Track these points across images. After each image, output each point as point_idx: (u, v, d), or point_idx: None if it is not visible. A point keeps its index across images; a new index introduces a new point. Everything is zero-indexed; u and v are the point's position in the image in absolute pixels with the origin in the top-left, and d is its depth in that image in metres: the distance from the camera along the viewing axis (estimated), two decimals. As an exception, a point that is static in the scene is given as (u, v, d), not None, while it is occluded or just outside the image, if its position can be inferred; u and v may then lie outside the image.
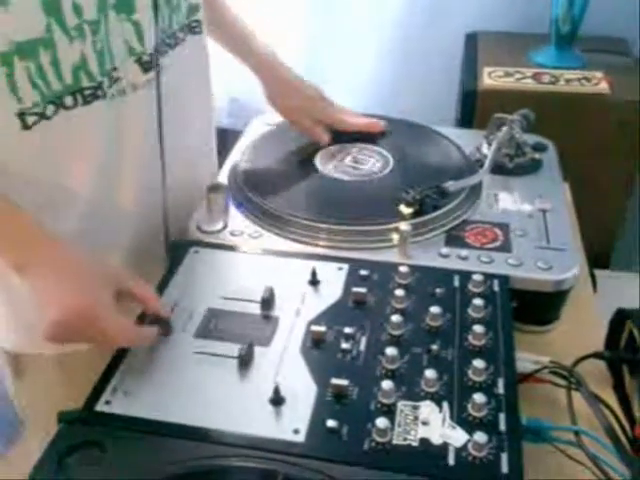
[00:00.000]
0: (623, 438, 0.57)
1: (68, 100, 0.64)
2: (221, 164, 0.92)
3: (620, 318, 0.68)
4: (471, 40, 1.58)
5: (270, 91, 0.91)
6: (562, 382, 0.62)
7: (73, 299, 0.54)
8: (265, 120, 1.01)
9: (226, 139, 0.97)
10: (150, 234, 0.77)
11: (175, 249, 0.73)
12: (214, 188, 0.77)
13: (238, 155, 0.90)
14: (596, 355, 0.66)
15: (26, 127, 0.62)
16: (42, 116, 0.62)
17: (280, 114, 0.93)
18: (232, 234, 0.75)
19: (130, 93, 0.69)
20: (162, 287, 0.67)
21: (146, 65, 0.69)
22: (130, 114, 0.70)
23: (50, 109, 0.63)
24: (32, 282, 0.56)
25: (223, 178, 0.86)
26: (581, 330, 0.73)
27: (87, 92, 0.65)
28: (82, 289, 0.55)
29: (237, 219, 0.78)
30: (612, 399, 0.64)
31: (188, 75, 0.78)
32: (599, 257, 1.44)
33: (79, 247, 0.59)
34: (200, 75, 0.83)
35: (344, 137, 0.91)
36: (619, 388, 0.67)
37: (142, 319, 0.62)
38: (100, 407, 0.54)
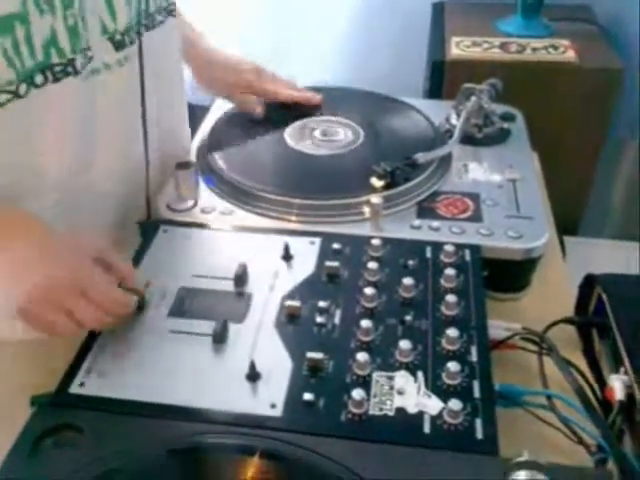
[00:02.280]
0: (593, 400, 0.58)
1: (38, 78, 0.62)
2: (189, 140, 0.91)
3: (589, 283, 0.69)
4: (438, 9, 1.57)
5: (197, 72, 0.91)
6: (533, 348, 0.63)
7: (59, 266, 0.55)
8: (233, 95, 1.00)
9: (193, 115, 0.95)
10: (130, 211, 0.76)
11: (145, 228, 0.72)
12: (183, 165, 0.76)
13: (206, 131, 0.89)
14: (566, 320, 0.67)
15: None
16: (16, 95, 0.61)
17: (215, 94, 0.93)
18: (203, 212, 0.74)
19: (103, 71, 0.68)
20: (134, 267, 0.66)
21: (118, 44, 0.68)
22: (105, 92, 0.69)
23: (23, 88, 0.61)
24: (10, 255, 0.55)
25: (192, 155, 0.85)
26: (551, 296, 0.74)
27: (57, 69, 0.63)
28: (65, 259, 0.56)
29: (207, 196, 0.77)
30: (582, 363, 0.65)
31: (165, 56, 0.77)
32: (568, 224, 1.46)
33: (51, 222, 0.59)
34: (175, 55, 0.83)
35: (311, 111, 0.90)
36: (589, 352, 0.68)
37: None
38: (74, 389, 0.53)
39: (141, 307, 0.61)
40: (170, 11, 0.77)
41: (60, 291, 0.55)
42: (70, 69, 0.64)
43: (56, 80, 0.63)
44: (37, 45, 0.60)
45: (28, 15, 0.59)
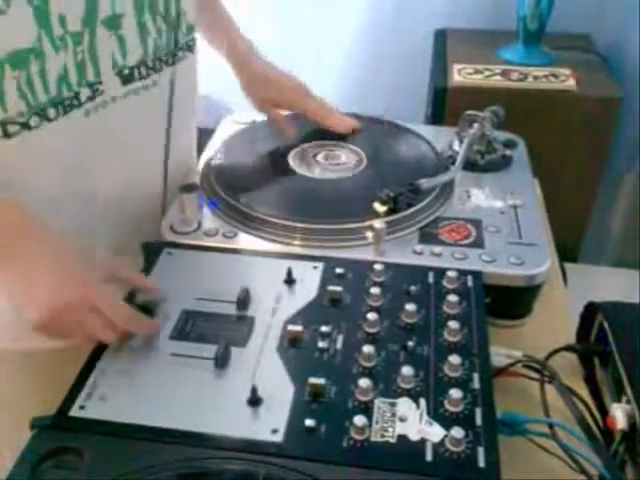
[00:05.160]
0: (595, 429, 0.58)
1: (51, 112, 0.64)
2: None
3: (590, 311, 0.70)
4: (440, 37, 1.59)
5: (245, 82, 0.92)
6: (535, 375, 0.63)
7: (71, 285, 0.55)
8: (236, 119, 1.01)
9: (197, 137, 0.96)
10: (144, 235, 0.77)
11: (148, 251, 0.72)
12: (187, 188, 0.76)
13: (210, 154, 0.89)
14: (568, 348, 0.68)
15: (6, 135, 0.62)
16: (25, 126, 0.62)
17: (253, 105, 0.93)
18: (206, 234, 0.75)
19: (111, 104, 0.70)
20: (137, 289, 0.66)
21: (126, 78, 0.70)
22: (113, 124, 0.71)
23: (35, 120, 0.63)
24: (23, 270, 0.56)
25: (195, 177, 0.86)
26: (553, 324, 0.74)
27: (66, 102, 0.65)
28: (79, 275, 0.56)
29: (211, 219, 0.77)
30: (584, 390, 0.65)
31: (181, 89, 0.79)
32: (568, 251, 1.46)
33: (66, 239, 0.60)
34: (190, 89, 0.85)
35: (318, 135, 0.91)
36: (590, 380, 0.68)
37: (129, 301, 0.62)
38: (74, 412, 0.53)
39: (152, 313, 0.62)
40: (190, 47, 0.79)
41: (75, 311, 0.55)
42: (75, 102, 0.66)
43: (65, 113, 0.65)
44: (51, 80, 0.62)
45: (43, 51, 0.60)
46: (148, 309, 0.62)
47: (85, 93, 0.67)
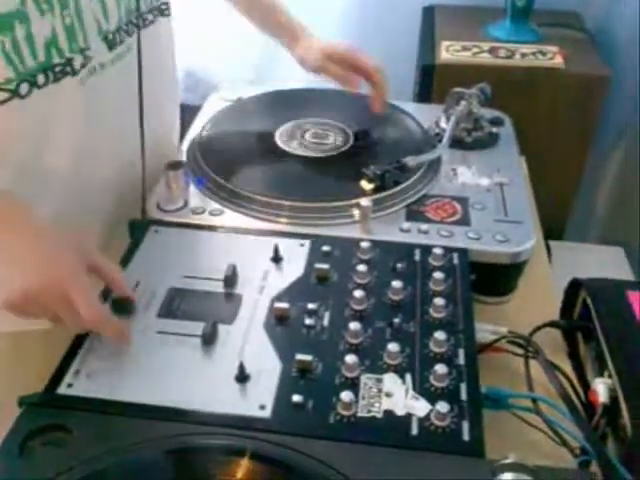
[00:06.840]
0: (577, 403, 0.59)
1: (40, 78, 0.63)
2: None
3: (574, 288, 0.70)
4: (428, 13, 1.58)
5: (298, 52, 0.93)
6: (520, 351, 0.64)
7: (49, 268, 0.54)
8: (223, 95, 1.00)
9: (182, 114, 0.95)
10: (128, 209, 0.76)
11: (135, 228, 0.72)
12: (173, 165, 0.76)
13: (197, 131, 0.89)
14: (552, 324, 0.68)
15: None
16: (15, 94, 0.61)
17: (309, 68, 0.93)
18: (193, 212, 0.74)
19: (99, 71, 0.69)
20: (123, 267, 0.66)
21: (111, 43, 0.70)
22: (101, 92, 0.70)
23: (24, 88, 0.62)
24: (5, 249, 0.55)
25: (182, 155, 0.85)
26: (537, 300, 0.75)
27: (57, 69, 0.64)
28: (58, 260, 0.55)
29: (197, 197, 0.77)
30: (567, 366, 0.66)
31: (156, 55, 0.78)
32: (554, 229, 1.47)
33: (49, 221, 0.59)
34: (167, 55, 0.84)
35: (305, 113, 0.91)
36: (574, 355, 0.69)
37: (105, 296, 0.61)
38: (62, 390, 0.53)
39: (131, 312, 0.61)
40: (162, 11, 0.78)
41: (48, 296, 0.54)
42: (68, 69, 0.65)
43: (56, 80, 0.64)
44: (39, 45, 0.61)
45: (28, 14, 0.59)
46: (123, 306, 0.60)
47: (78, 60, 0.66)
